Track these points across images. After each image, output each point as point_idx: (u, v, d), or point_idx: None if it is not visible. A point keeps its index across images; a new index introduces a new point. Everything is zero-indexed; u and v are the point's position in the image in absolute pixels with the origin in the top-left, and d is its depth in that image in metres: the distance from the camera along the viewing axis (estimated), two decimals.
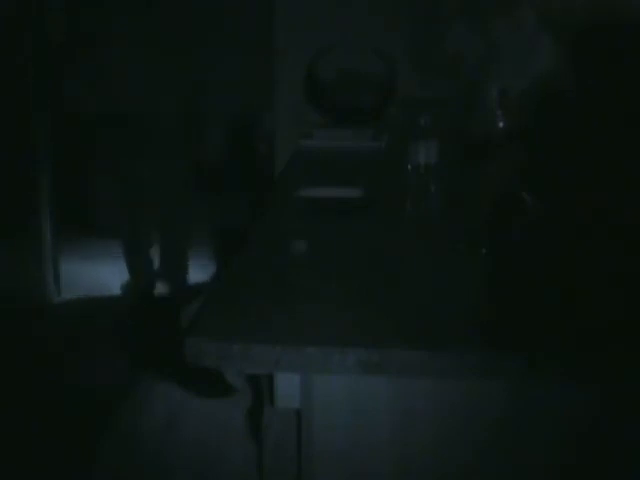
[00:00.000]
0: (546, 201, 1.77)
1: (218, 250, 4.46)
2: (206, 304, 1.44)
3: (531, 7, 2.19)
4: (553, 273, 1.56)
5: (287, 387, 1.50)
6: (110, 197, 4.35)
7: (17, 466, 2.89)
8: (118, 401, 3.32)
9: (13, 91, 3.99)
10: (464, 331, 1.34)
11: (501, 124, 2.23)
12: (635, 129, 1.87)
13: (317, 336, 1.29)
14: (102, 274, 4.62)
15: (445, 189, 2.13)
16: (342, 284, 1.53)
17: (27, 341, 3.90)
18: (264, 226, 1.96)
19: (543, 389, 1.32)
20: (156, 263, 4.23)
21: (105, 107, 3.92)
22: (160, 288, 4.23)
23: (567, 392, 1.32)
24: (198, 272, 4.29)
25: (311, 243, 1.72)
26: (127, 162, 4.04)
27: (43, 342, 3.89)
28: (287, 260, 1.67)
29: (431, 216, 2.06)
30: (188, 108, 4.00)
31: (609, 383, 1.30)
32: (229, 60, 4.44)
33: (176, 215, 4.15)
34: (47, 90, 4.21)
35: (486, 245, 1.68)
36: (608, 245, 1.68)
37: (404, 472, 1.38)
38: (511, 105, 2.20)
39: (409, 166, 2.19)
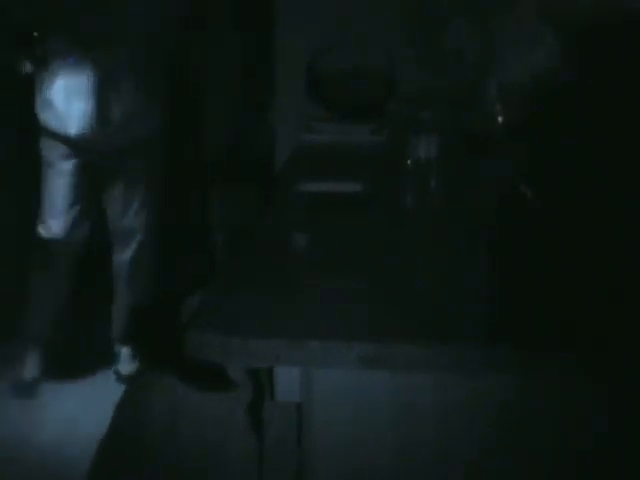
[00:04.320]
0: (546, 197, 1.77)
1: (220, 244, 4.46)
2: (207, 298, 1.44)
3: (532, 5, 2.19)
4: (554, 270, 1.56)
5: (287, 381, 1.50)
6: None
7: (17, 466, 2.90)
8: (119, 396, 3.32)
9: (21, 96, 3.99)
10: (467, 327, 1.34)
11: (500, 119, 2.23)
12: (636, 127, 1.86)
13: (319, 330, 1.29)
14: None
15: (446, 184, 2.13)
16: (344, 278, 1.53)
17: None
18: (265, 220, 1.96)
19: (544, 387, 1.32)
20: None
21: None
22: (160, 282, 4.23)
23: (567, 391, 1.32)
24: (199, 266, 4.28)
25: (312, 237, 1.72)
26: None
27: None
28: (288, 254, 1.67)
29: (432, 211, 2.06)
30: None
31: (609, 383, 1.30)
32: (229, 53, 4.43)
33: (177, 210, 4.15)
34: None
35: (488, 241, 1.68)
36: (608, 243, 1.68)
37: (405, 466, 1.38)
38: (511, 101, 2.20)
39: (409, 161, 2.19)
